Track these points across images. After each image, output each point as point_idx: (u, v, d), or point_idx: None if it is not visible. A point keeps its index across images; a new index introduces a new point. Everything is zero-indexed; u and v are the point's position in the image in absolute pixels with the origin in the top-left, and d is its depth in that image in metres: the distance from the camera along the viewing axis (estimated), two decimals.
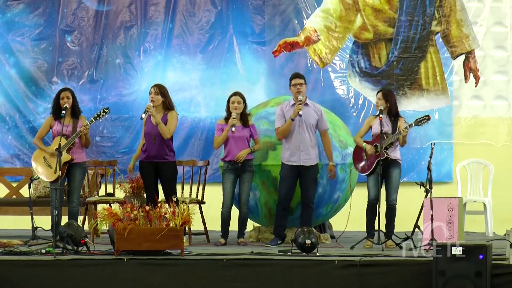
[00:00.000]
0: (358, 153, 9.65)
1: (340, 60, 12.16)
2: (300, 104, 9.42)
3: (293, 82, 9.57)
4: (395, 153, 9.51)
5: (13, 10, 12.39)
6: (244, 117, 9.65)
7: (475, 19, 12.08)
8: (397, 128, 9.48)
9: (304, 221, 9.39)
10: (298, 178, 9.53)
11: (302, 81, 9.55)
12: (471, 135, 12.06)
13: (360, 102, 12.11)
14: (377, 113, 9.50)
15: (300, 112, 9.38)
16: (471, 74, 12.10)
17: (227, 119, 9.67)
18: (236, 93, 9.71)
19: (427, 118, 9.42)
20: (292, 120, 9.45)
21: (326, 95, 12.05)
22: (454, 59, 12.10)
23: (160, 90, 9.62)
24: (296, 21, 12.20)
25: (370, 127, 9.65)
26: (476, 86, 12.10)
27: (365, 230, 9.42)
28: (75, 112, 9.66)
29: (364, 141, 9.61)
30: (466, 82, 12.11)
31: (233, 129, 9.47)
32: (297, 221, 9.54)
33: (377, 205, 9.20)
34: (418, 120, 9.42)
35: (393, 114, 9.56)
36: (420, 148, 11.98)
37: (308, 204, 9.49)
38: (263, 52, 12.21)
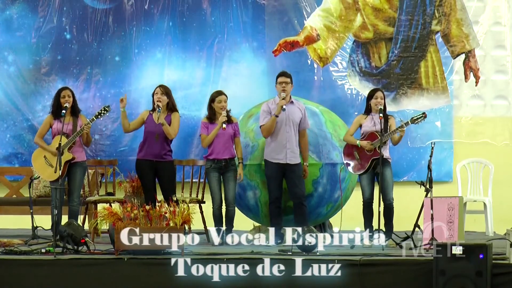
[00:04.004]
0: (349, 152, 9.64)
1: (340, 59, 12.16)
2: (283, 99, 9.44)
3: (279, 80, 9.61)
4: (386, 152, 9.54)
5: (12, 8, 12.38)
6: (227, 115, 9.68)
7: (475, 18, 12.08)
8: (389, 127, 9.50)
9: (299, 220, 9.39)
10: (283, 177, 9.53)
11: (288, 79, 9.59)
12: (471, 134, 12.07)
13: (360, 101, 12.11)
14: (374, 111, 9.56)
15: (284, 107, 9.40)
16: (471, 73, 12.10)
17: (210, 118, 9.71)
18: (221, 92, 9.77)
19: (423, 116, 9.45)
20: (276, 116, 9.47)
21: (326, 94, 12.05)
22: (454, 58, 12.10)
23: (166, 90, 9.68)
24: (296, 21, 12.20)
25: (360, 126, 9.65)
26: (476, 85, 12.11)
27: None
28: (75, 111, 9.69)
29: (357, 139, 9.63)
30: (466, 81, 12.11)
31: (224, 125, 9.51)
32: (293, 221, 9.53)
33: (375, 204, 9.23)
34: (414, 118, 9.45)
35: (385, 113, 9.61)
36: (420, 148, 11.98)
37: (301, 202, 9.48)
38: (263, 51, 12.21)
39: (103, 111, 9.62)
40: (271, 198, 9.55)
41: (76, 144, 9.55)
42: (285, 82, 9.56)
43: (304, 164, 9.61)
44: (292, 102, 9.64)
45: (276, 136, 9.55)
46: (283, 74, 9.65)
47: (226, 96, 9.73)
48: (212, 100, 9.75)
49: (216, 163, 9.63)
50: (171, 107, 9.68)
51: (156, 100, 9.59)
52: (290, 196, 9.55)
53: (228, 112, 9.69)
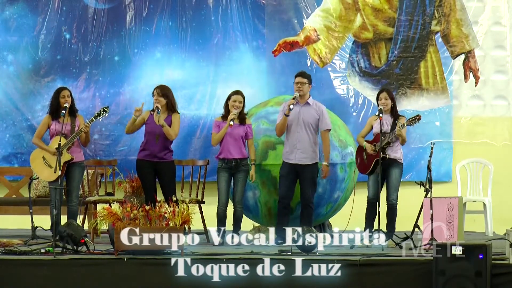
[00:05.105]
0: (359, 153, 9.75)
1: (340, 59, 12.16)
2: (293, 99, 9.47)
3: (295, 80, 9.68)
4: (395, 153, 9.57)
5: (12, 8, 12.37)
6: (241, 116, 9.68)
7: (475, 19, 12.08)
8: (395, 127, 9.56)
9: (303, 221, 9.42)
10: (297, 177, 9.56)
11: (304, 80, 9.62)
12: (471, 134, 12.06)
13: (360, 101, 12.11)
14: (377, 112, 9.61)
15: (291, 107, 9.41)
16: (471, 73, 12.10)
17: (224, 117, 9.72)
18: (238, 92, 9.77)
19: (417, 118, 9.52)
20: (286, 116, 9.50)
21: (326, 94, 12.04)
22: (454, 58, 12.10)
23: (163, 91, 9.66)
24: (296, 21, 12.19)
25: (372, 127, 9.73)
26: (476, 85, 12.10)
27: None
28: (73, 111, 9.69)
29: (366, 141, 9.69)
30: (466, 81, 12.11)
31: (231, 123, 9.51)
32: (297, 220, 9.55)
33: (377, 204, 9.24)
34: (410, 120, 9.51)
35: (395, 113, 9.67)
36: (419, 148, 11.98)
37: (307, 204, 9.52)
38: (263, 51, 12.20)
39: (102, 112, 9.62)
40: (279, 197, 9.59)
41: (74, 145, 9.56)
42: (301, 83, 9.61)
43: (324, 163, 9.60)
44: (308, 103, 9.65)
45: (289, 136, 9.61)
46: (300, 74, 9.71)
47: (243, 97, 9.74)
48: (228, 98, 9.77)
49: (227, 163, 9.63)
50: (171, 108, 9.68)
51: (154, 102, 9.61)
52: (300, 196, 9.58)
53: (245, 114, 9.70)
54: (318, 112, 9.66)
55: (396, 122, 9.57)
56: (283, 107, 9.66)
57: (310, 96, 9.71)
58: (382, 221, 9.25)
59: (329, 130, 9.68)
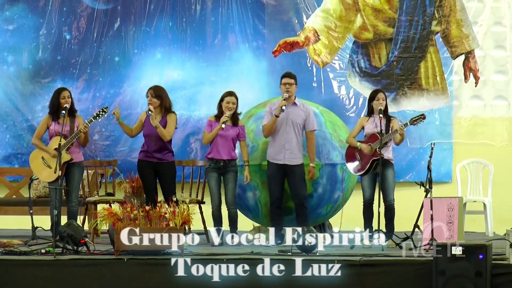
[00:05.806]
0: (351, 153, 9.68)
1: (340, 60, 12.16)
2: (284, 99, 9.47)
3: (283, 81, 9.67)
4: (388, 153, 9.56)
5: (12, 8, 12.38)
6: (234, 117, 9.67)
7: (475, 19, 12.08)
8: (391, 128, 9.54)
9: (300, 221, 9.42)
10: (285, 177, 9.54)
11: (292, 81, 9.63)
12: (471, 135, 12.07)
13: (360, 102, 12.11)
14: (376, 113, 9.60)
15: (284, 107, 9.43)
16: (471, 74, 12.10)
17: (217, 116, 9.71)
18: (231, 93, 9.75)
19: (422, 117, 9.50)
20: (277, 116, 9.50)
21: (326, 95, 12.05)
22: (454, 59, 12.10)
23: (156, 92, 9.64)
24: (296, 21, 12.20)
25: (363, 128, 9.69)
26: (476, 86, 12.10)
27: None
28: (72, 111, 9.69)
29: (358, 141, 9.65)
30: (466, 82, 12.11)
31: (223, 125, 9.50)
32: (294, 221, 9.54)
33: (375, 205, 9.24)
34: (414, 119, 9.51)
35: (387, 114, 9.66)
36: (419, 148, 11.99)
37: (302, 204, 9.53)
38: (263, 51, 12.21)
39: (101, 113, 9.62)
40: (271, 198, 9.59)
41: (73, 145, 9.56)
42: (289, 83, 9.61)
43: (310, 165, 9.59)
44: (295, 103, 9.66)
45: (276, 136, 9.59)
46: (287, 75, 9.69)
47: (237, 98, 9.72)
48: (221, 99, 9.76)
49: (215, 163, 9.63)
50: (165, 108, 9.66)
51: (148, 103, 9.61)
52: (292, 197, 9.57)
53: (238, 115, 9.69)
54: (305, 113, 9.66)
55: (391, 121, 9.57)
56: (269, 108, 9.65)
57: (296, 97, 9.72)
58: (381, 221, 9.24)
59: (315, 130, 9.67)
